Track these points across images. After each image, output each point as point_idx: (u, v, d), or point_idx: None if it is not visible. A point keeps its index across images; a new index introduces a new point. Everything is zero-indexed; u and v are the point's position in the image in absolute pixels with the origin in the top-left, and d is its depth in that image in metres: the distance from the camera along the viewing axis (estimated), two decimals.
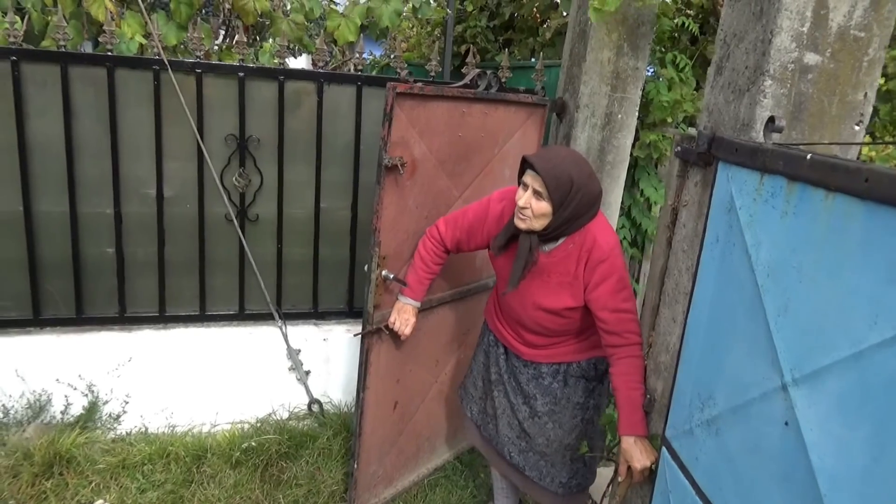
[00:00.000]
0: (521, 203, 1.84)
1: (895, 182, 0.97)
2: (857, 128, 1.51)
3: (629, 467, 1.83)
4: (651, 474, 1.81)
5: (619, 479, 1.89)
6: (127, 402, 2.84)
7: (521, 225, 1.87)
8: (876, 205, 1.02)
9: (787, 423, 1.20)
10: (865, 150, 3.69)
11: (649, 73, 3.36)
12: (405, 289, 2.24)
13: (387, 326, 2.28)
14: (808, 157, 1.18)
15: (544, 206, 1.82)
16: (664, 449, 1.73)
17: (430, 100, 2.17)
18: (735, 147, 1.44)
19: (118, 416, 2.84)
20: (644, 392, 1.87)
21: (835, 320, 1.10)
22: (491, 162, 2.57)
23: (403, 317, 2.26)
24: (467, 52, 4.18)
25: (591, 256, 1.90)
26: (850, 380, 1.05)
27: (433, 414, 2.76)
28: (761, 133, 1.45)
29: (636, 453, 1.81)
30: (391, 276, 2.22)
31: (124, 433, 2.81)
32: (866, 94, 1.49)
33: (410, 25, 5.21)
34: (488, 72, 2.46)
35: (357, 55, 2.76)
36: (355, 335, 2.27)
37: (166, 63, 2.53)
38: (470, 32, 3.95)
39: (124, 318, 2.84)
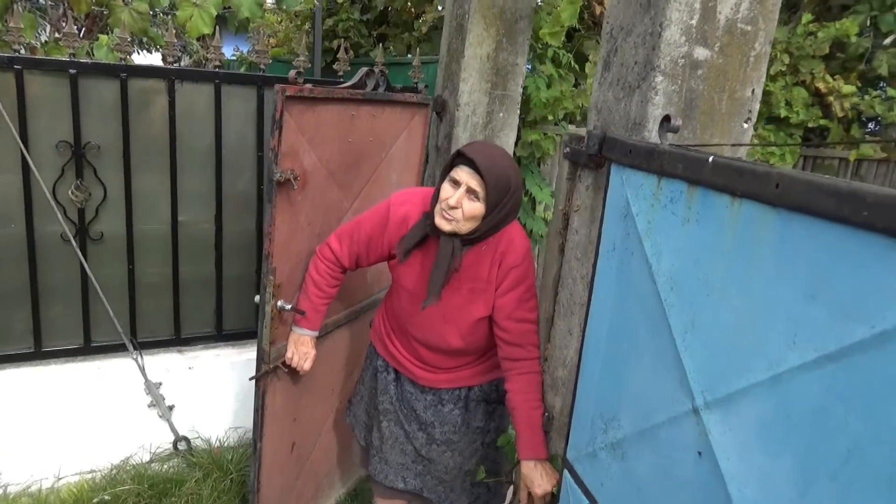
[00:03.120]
0: (451, 202, 1.61)
1: (810, 188, 0.88)
2: (745, 125, 1.45)
3: (530, 493, 1.70)
4: (553, 498, 1.69)
5: None
6: None
7: (446, 226, 1.65)
8: (789, 212, 0.92)
9: (700, 453, 1.10)
10: (751, 149, 3.84)
11: (528, 70, 3.29)
12: (301, 318, 1.97)
13: (284, 363, 2.01)
14: (710, 159, 1.09)
15: (478, 208, 1.62)
16: (566, 471, 1.62)
17: (320, 103, 1.91)
18: (629, 148, 1.34)
19: None
20: (543, 410, 1.75)
21: (749, 338, 1.00)
22: (378, 168, 2.35)
23: (302, 350, 1.99)
24: (339, 48, 3.95)
25: (504, 260, 1.74)
26: (769, 405, 0.96)
27: (329, 448, 2.51)
28: (654, 132, 1.36)
29: (537, 478, 1.68)
30: (288, 306, 1.94)
31: None
32: (754, 90, 1.43)
33: (279, 19, 4.88)
34: (376, 70, 2.25)
35: (213, 49, 2.46)
36: (251, 378, 1.97)
37: None
38: (342, 26, 3.70)
39: None
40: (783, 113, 3.69)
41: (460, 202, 1.62)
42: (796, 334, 0.91)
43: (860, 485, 0.81)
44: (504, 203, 1.64)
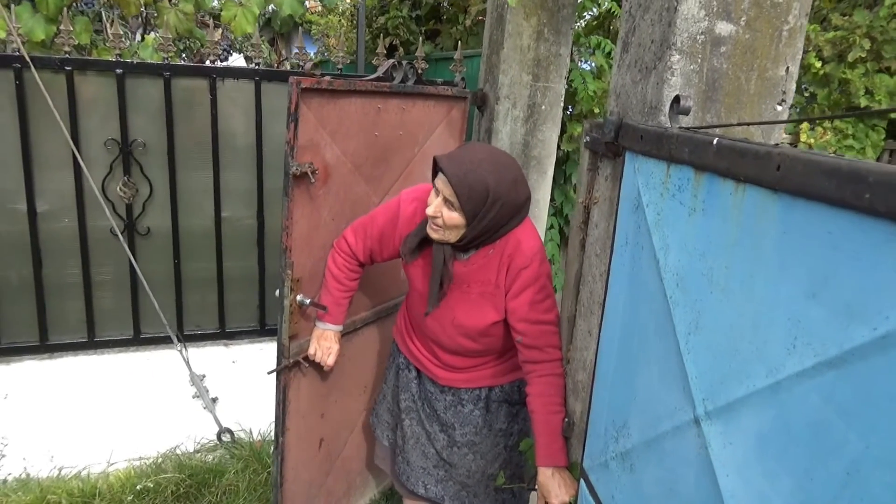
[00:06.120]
0: (430, 211, 1.59)
1: (813, 168, 0.76)
2: (779, 108, 1.31)
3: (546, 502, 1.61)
4: None
5: None
6: (5, 445, 2.52)
7: (434, 235, 1.64)
8: (791, 198, 0.81)
9: (701, 465, 0.99)
10: (803, 137, 3.56)
11: (588, 67, 3.17)
12: (323, 313, 1.95)
13: (306, 358, 1.99)
14: (715, 141, 0.98)
15: (456, 217, 1.57)
16: (583, 481, 1.52)
17: (341, 95, 1.88)
18: (640, 134, 1.24)
19: None
20: (564, 415, 1.66)
21: (749, 341, 0.89)
22: (411, 163, 2.32)
23: (325, 345, 1.97)
24: (391, 46, 3.95)
25: (512, 262, 1.67)
26: (768, 416, 0.84)
27: (363, 446, 2.48)
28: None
29: (554, 487, 1.59)
30: (307, 300, 1.92)
31: (1, 481, 2.49)
32: (788, 68, 1.29)
33: (339, 20, 4.95)
34: (404, 62, 2.21)
35: (252, 47, 2.50)
36: (269, 372, 1.97)
37: (28, 60, 2.23)
38: (391, 24, 3.70)
39: None
40: (863, 102, 3.38)
41: (439, 211, 1.57)
42: (796, 336, 0.79)
43: None
44: (485, 211, 1.56)
